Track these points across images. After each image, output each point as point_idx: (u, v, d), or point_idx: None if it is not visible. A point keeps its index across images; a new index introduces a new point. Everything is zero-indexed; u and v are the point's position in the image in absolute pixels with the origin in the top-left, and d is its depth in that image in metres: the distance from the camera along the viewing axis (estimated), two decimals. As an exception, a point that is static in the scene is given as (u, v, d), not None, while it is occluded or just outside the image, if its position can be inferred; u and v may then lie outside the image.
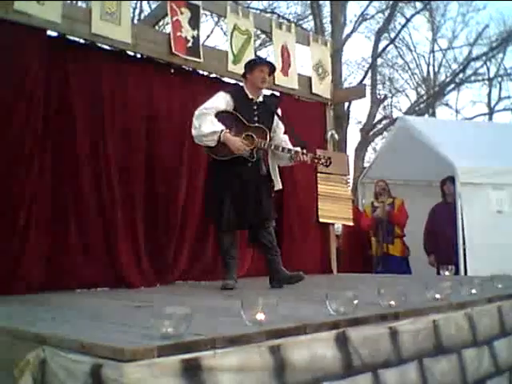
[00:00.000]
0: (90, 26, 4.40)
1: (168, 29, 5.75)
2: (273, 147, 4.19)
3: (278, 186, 4.38)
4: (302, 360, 2.06)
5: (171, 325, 1.83)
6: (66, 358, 1.78)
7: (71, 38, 4.48)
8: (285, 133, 4.45)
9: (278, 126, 4.39)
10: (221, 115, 4.13)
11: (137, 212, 4.65)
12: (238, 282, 4.20)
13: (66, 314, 2.78)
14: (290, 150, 4.21)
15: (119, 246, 4.46)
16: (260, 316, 2.10)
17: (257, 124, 4.19)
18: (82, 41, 4.63)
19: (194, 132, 4.12)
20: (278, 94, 5.28)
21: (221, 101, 4.19)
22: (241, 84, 4.47)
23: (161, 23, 10.82)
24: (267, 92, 4.69)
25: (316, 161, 4.28)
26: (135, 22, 10.33)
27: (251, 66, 4.31)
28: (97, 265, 4.32)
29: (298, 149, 4.22)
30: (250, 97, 4.27)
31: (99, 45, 4.64)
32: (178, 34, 5.06)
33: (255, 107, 4.27)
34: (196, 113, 4.14)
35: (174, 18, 5.07)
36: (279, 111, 4.44)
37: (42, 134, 4.12)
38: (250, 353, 1.92)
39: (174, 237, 4.93)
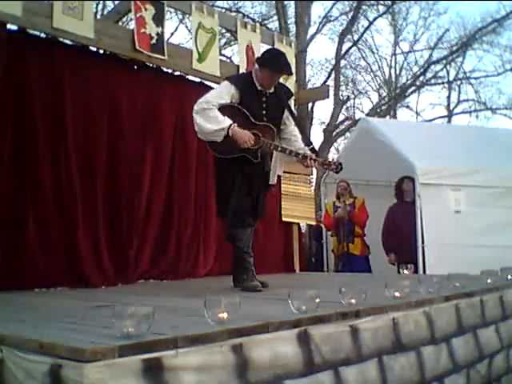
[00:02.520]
0: (51, 20, 4.31)
1: (132, 25, 5.69)
2: (279, 149, 3.89)
3: (273, 181, 4.15)
4: (264, 358, 2.08)
5: (132, 324, 1.81)
6: (25, 358, 1.75)
7: (32, 32, 4.39)
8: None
9: (289, 119, 4.06)
10: (224, 108, 3.77)
11: (98, 211, 4.58)
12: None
13: (25, 314, 2.72)
14: (297, 154, 3.88)
15: (79, 245, 4.38)
16: (223, 315, 2.09)
17: (264, 122, 3.86)
18: (42, 35, 4.54)
19: (196, 128, 3.81)
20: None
21: (224, 93, 3.84)
22: (251, 70, 4.05)
23: (124, 19, 10.71)
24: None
25: (326, 167, 4.03)
26: (98, 17, 10.18)
27: (265, 64, 3.86)
28: (56, 264, 4.24)
29: (307, 151, 3.93)
30: (259, 88, 3.90)
31: (61, 40, 4.56)
32: (142, 30, 5.01)
33: (264, 99, 3.91)
34: (196, 107, 3.79)
35: (138, 15, 5.02)
36: (291, 103, 4.14)
37: (0, 131, 4.03)
38: (212, 352, 1.92)
39: (135, 236, 4.88)
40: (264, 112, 3.88)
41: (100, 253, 4.53)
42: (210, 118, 3.71)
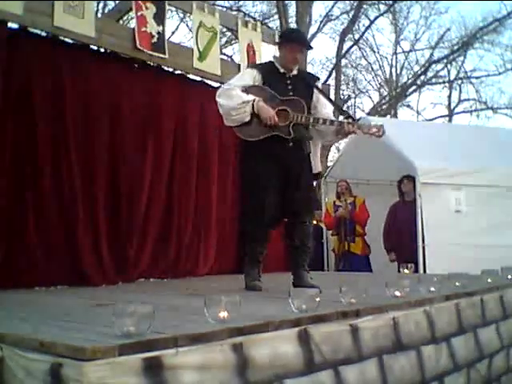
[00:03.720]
0: (52, 19, 4.31)
1: (132, 24, 5.69)
2: (311, 120, 3.61)
3: (317, 168, 3.84)
4: (264, 357, 2.07)
5: (133, 323, 1.80)
6: (25, 356, 1.75)
7: (32, 30, 4.39)
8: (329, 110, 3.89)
9: (319, 102, 3.80)
10: (249, 90, 3.61)
11: (98, 209, 4.58)
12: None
13: (25, 312, 2.72)
14: (333, 122, 3.63)
15: (80, 244, 4.39)
16: (223, 314, 2.09)
17: (292, 97, 3.64)
18: (43, 33, 4.54)
19: (221, 110, 3.63)
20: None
21: (246, 77, 3.73)
22: (272, 59, 3.94)
23: (125, 18, 10.71)
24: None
25: (366, 130, 3.66)
26: (99, 15, 10.17)
27: (282, 41, 3.79)
28: (57, 262, 4.24)
29: (343, 119, 3.68)
30: (282, 71, 3.74)
31: (61, 38, 4.55)
32: (143, 29, 5.01)
33: (289, 81, 3.72)
34: (218, 92, 3.69)
35: (139, 13, 5.03)
36: (319, 85, 3.94)
37: (0, 130, 4.03)
38: (213, 351, 1.92)
39: (136, 235, 4.88)
40: (291, 93, 3.68)
41: (100, 251, 4.53)
42: (233, 96, 3.58)
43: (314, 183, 3.92)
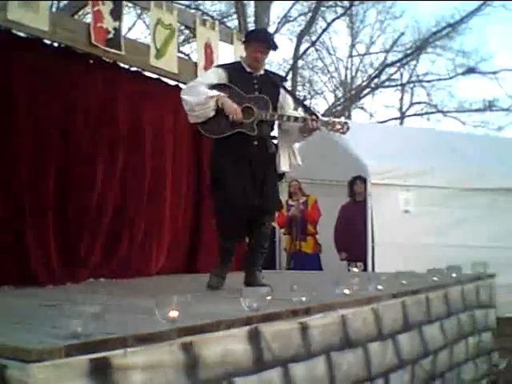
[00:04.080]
0: (5, 12, 4.21)
1: (88, 19, 5.60)
2: (276, 117, 3.65)
3: (284, 167, 3.78)
4: (214, 356, 2.08)
5: (80, 324, 1.78)
6: (-32, 358, 1.71)
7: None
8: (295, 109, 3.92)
9: (286, 102, 3.82)
10: (214, 88, 3.61)
11: (47, 207, 4.48)
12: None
13: (-30, 313, 2.65)
14: (297, 118, 3.64)
15: (27, 243, 4.28)
16: (173, 314, 2.09)
17: (256, 94, 3.65)
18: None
19: (185, 107, 3.62)
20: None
21: (211, 75, 3.75)
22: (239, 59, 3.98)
23: (81, 13, 10.51)
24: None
25: (330, 127, 3.70)
26: (53, 10, 9.95)
27: (246, 40, 3.81)
28: (3, 262, 4.12)
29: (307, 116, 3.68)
30: (249, 70, 3.75)
31: (15, 32, 4.45)
32: (99, 24, 4.95)
33: (255, 81, 3.73)
34: (183, 89, 3.72)
35: (95, 8, 4.96)
36: (286, 85, 3.96)
37: None
38: (162, 351, 1.91)
39: (86, 234, 4.79)
40: (257, 93, 3.69)
41: (49, 251, 4.43)
42: (198, 92, 3.59)
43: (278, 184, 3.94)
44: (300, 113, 3.85)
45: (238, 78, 3.70)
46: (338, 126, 3.70)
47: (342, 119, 3.99)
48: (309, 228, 6.94)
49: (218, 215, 3.84)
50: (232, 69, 3.77)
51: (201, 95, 3.56)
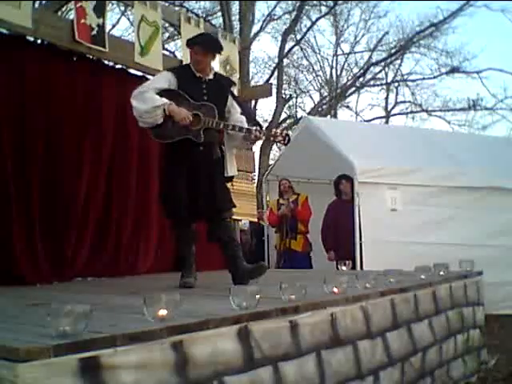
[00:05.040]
0: (-15, 8, 4.15)
1: (71, 15, 5.54)
2: (222, 125, 3.78)
3: (231, 172, 3.96)
4: (204, 355, 2.07)
5: (69, 323, 1.76)
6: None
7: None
8: (242, 114, 4.05)
9: (233, 107, 3.97)
10: (163, 94, 3.71)
11: (33, 207, 4.44)
12: (197, 279, 3.91)
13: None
14: (241, 129, 3.80)
15: (14, 242, 4.24)
16: (162, 312, 2.07)
17: (204, 102, 3.77)
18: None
19: (134, 113, 3.72)
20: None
21: (161, 80, 3.83)
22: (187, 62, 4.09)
23: (64, 9, 10.41)
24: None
25: (272, 138, 3.93)
26: (36, 6, 9.83)
27: (188, 44, 3.95)
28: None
29: (251, 127, 3.85)
30: (197, 75, 3.85)
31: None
32: (82, 21, 4.90)
33: (204, 86, 3.84)
34: (133, 93, 3.76)
35: (78, 5, 4.91)
36: (234, 90, 4.10)
37: None
38: (152, 350, 1.90)
39: (73, 233, 4.76)
40: (205, 98, 3.81)
41: (35, 250, 4.39)
42: (146, 98, 3.67)
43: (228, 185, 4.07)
44: (243, 119, 3.97)
45: (187, 82, 3.80)
46: (280, 138, 3.86)
47: (284, 131, 4.12)
48: (299, 227, 6.94)
49: (164, 211, 4.01)
50: (181, 73, 3.86)
51: (148, 103, 3.65)
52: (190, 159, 3.78)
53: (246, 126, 3.90)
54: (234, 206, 4.02)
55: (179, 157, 3.78)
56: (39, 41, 4.76)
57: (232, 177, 4.07)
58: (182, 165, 3.79)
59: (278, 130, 4.08)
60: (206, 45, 3.86)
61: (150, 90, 3.72)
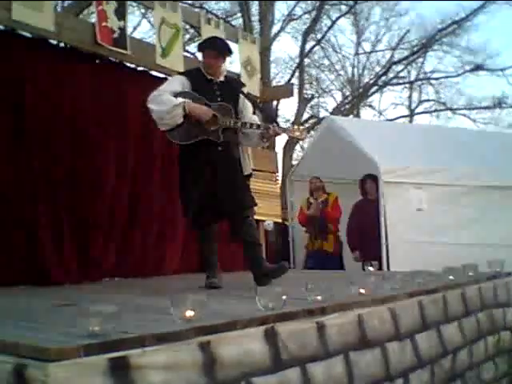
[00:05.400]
0: (10, 12, 4.19)
1: (93, 18, 5.59)
2: (240, 124, 3.83)
3: (248, 170, 4.05)
4: (231, 356, 2.06)
5: (98, 323, 1.78)
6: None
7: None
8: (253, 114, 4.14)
9: (245, 107, 4.02)
10: (179, 96, 3.75)
11: (61, 208, 4.48)
12: (221, 279, 3.91)
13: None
14: (259, 126, 3.87)
15: (43, 243, 4.29)
16: (189, 313, 2.07)
17: (220, 102, 3.83)
18: (1, 27, 4.41)
19: (153, 116, 3.76)
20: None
21: (175, 83, 3.88)
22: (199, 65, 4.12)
23: (85, 12, 10.52)
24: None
25: (290, 134, 3.97)
26: (58, 9, 9.96)
27: (200, 48, 4.02)
28: (19, 262, 4.13)
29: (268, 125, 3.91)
30: (209, 77, 3.91)
31: (20, 32, 4.43)
32: (104, 24, 4.93)
33: (216, 87, 3.91)
34: (149, 98, 3.79)
35: (99, 8, 4.94)
36: (245, 90, 4.15)
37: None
38: (180, 350, 1.90)
39: (100, 234, 4.79)
40: (219, 99, 3.86)
41: (64, 250, 4.44)
42: (163, 100, 3.70)
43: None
44: (255, 118, 4.05)
45: (201, 85, 3.85)
46: (297, 133, 3.93)
47: (301, 127, 4.18)
48: (329, 226, 6.82)
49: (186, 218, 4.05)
50: (194, 76, 3.90)
51: (167, 104, 3.69)
52: (209, 160, 3.80)
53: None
54: (256, 204, 4.02)
55: (197, 158, 3.80)
56: (62, 44, 4.80)
57: (249, 175, 4.11)
58: (200, 166, 3.80)
59: (295, 126, 4.09)
60: (217, 48, 3.93)
61: (165, 92, 3.75)
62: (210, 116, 3.73)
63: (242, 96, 4.00)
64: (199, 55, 4.39)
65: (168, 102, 3.69)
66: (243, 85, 4.26)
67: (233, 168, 3.88)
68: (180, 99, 3.70)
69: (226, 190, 3.79)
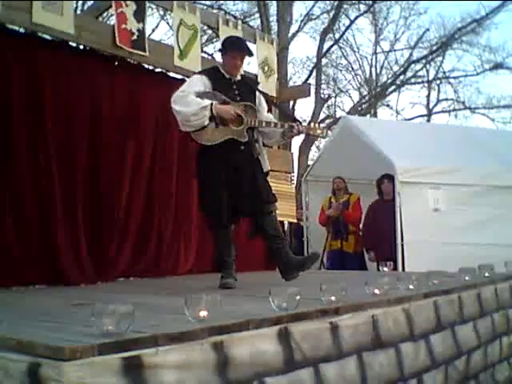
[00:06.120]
0: (30, 15, 4.26)
1: (112, 21, 5.65)
2: (264, 124, 3.87)
3: (267, 167, 4.07)
4: (244, 356, 2.07)
5: (112, 323, 1.79)
6: (2, 357, 1.72)
7: (10, 27, 4.33)
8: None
9: (261, 105, 4.06)
10: (202, 95, 3.76)
11: (77, 208, 4.53)
12: (237, 280, 3.92)
13: (2, 312, 2.68)
14: (283, 125, 3.91)
15: (58, 243, 4.33)
16: (203, 313, 2.09)
17: (243, 102, 3.86)
18: (21, 30, 4.48)
19: (179, 117, 3.76)
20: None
21: (197, 83, 3.86)
22: (216, 64, 4.19)
23: (105, 15, 10.63)
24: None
25: (312, 132, 3.99)
26: (78, 12, 10.06)
27: (224, 48, 4.00)
28: (35, 261, 4.18)
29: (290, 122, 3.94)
30: (227, 76, 3.94)
31: (40, 35, 4.50)
32: (123, 26, 4.98)
33: (234, 86, 3.93)
34: (172, 98, 3.79)
35: (119, 10, 4.99)
36: (260, 88, 4.19)
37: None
38: (193, 350, 1.91)
39: (115, 234, 4.84)
40: (238, 98, 3.88)
41: (79, 250, 4.48)
42: (189, 102, 3.70)
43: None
44: (270, 116, 4.12)
45: (220, 84, 3.85)
46: (319, 131, 3.96)
47: (322, 124, 4.07)
48: (350, 227, 6.81)
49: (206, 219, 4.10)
50: (213, 75, 3.90)
51: (194, 105, 3.68)
52: (232, 159, 3.81)
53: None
54: (277, 200, 4.05)
55: (219, 157, 3.79)
56: (81, 46, 4.86)
57: (268, 173, 4.13)
58: (222, 165, 3.80)
59: (316, 124, 4.14)
60: (243, 49, 3.97)
61: (190, 93, 3.74)
62: (235, 117, 3.75)
63: (258, 94, 4.04)
64: (218, 55, 4.42)
65: (194, 103, 3.69)
66: (258, 82, 4.30)
67: (254, 167, 3.91)
68: (207, 101, 3.70)
69: (249, 188, 3.83)
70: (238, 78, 3.99)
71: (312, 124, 4.15)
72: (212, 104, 3.69)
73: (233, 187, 3.82)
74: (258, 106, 4.01)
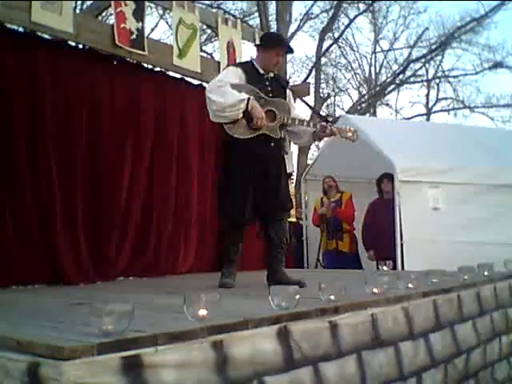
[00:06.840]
0: (29, 14, 4.26)
1: (111, 20, 5.65)
2: (297, 122, 3.79)
3: (291, 168, 4.06)
4: (243, 355, 2.07)
5: (111, 322, 1.79)
6: (3, 356, 1.73)
7: (9, 26, 4.32)
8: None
9: (291, 104, 3.99)
10: (239, 88, 3.66)
11: (77, 208, 4.54)
12: (235, 280, 3.87)
13: (1, 311, 2.69)
14: (315, 124, 3.81)
15: (58, 242, 4.34)
16: (203, 312, 2.09)
17: (277, 98, 3.79)
18: (20, 29, 4.48)
19: (214, 107, 3.61)
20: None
21: (234, 75, 3.76)
22: (249, 59, 4.05)
23: (104, 14, 10.62)
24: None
25: (343, 135, 3.90)
26: (77, 11, 10.06)
27: (269, 44, 3.87)
28: (34, 260, 4.19)
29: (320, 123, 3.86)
30: (261, 72, 3.85)
31: (39, 34, 4.50)
32: (122, 25, 4.98)
33: (267, 83, 3.85)
34: (208, 88, 3.71)
35: (118, 9, 4.99)
36: (290, 86, 4.15)
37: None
38: (192, 349, 1.91)
39: (115, 233, 4.85)
40: (270, 95, 3.81)
41: (79, 250, 4.49)
42: (226, 93, 3.61)
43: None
44: (298, 114, 3.99)
45: (254, 79, 3.78)
46: (349, 134, 3.89)
47: (352, 128, 4.07)
48: (344, 225, 6.78)
49: (225, 217, 3.97)
50: (248, 70, 3.83)
51: (231, 97, 3.59)
52: (262, 156, 3.73)
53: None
54: (292, 207, 4.00)
55: (250, 152, 3.70)
56: (80, 45, 4.86)
57: (291, 174, 4.05)
58: (252, 160, 3.71)
59: (348, 127, 4.04)
60: (287, 46, 3.95)
61: (226, 84, 3.65)
62: (260, 123, 3.63)
63: (289, 92, 3.96)
64: (217, 53, 4.36)
65: (232, 95, 3.60)
66: (288, 82, 4.26)
67: (280, 166, 3.85)
68: (244, 95, 3.61)
69: (272, 188, 3.76)
70: (271, 74, 3.90)
71: (344, 126, 4.07)
72: (250, 98, 3.59)
73: (258, 183, 3.73)
74: (289, 106, 3.93)
